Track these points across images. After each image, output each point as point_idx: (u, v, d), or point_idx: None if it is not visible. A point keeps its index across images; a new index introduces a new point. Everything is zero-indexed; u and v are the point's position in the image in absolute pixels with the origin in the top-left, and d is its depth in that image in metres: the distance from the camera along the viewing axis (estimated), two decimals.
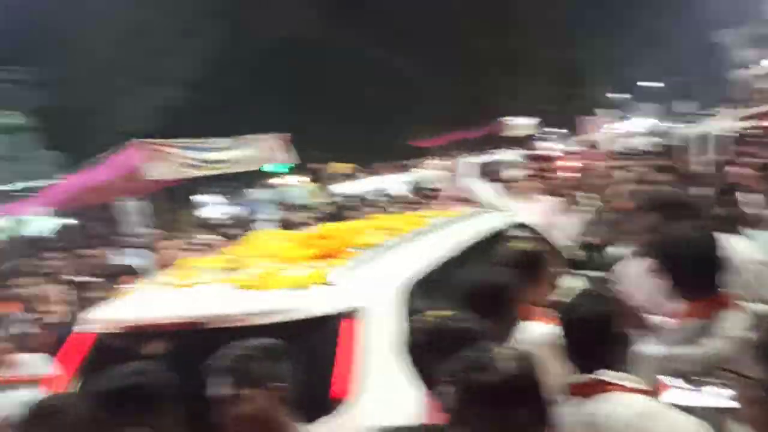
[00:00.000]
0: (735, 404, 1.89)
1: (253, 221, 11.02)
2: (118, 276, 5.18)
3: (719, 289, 2.45)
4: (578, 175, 9.48)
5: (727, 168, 8.20)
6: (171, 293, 3.37)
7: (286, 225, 7.75)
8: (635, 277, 3.59)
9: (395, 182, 11.68)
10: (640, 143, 19.27)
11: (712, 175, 8.35)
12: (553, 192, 7.63)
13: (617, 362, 2.15)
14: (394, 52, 27.09)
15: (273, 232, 4.85)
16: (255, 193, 18.75)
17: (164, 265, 5.53)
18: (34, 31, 21.61)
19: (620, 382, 2.09)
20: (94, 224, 16.41)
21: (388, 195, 11.03)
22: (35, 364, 4.13)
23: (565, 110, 30.46)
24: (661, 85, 44.06)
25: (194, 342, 3.02)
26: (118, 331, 3.21)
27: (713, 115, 18.05)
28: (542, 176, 8.57)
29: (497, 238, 4.31)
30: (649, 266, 3.10)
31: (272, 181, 19.12)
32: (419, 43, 27.35)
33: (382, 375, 2.61)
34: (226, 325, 2.83)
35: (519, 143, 24.80)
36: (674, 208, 3.39)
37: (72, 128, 23.51)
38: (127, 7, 22.92)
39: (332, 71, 26.59)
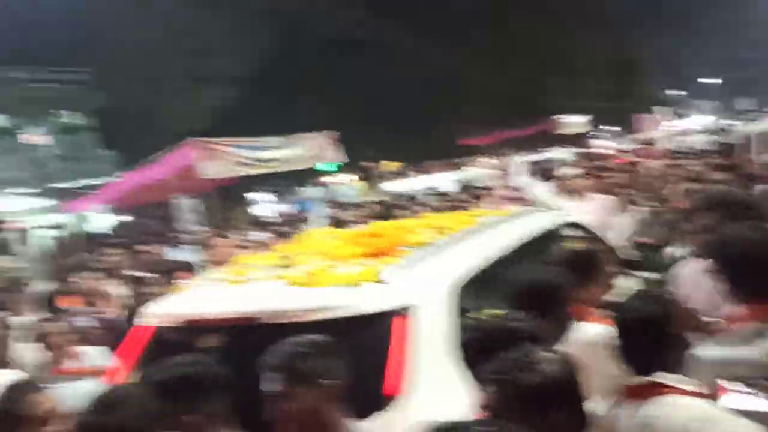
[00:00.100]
0: None
1: (305, 219, 11.13)
2: (174, 272, 5.29)
3: None
4: (633, 173, 9.28)
5: None
6: (226, 289, 3.44)
7: (337, 223, 7.80)
8: (692, 278, 3.49)
9: (445, 181, 11.63)
10: (698, 141, 18.73)
11: None
12: (607, 191, 7.49)
13: (674, 365, 2.10)
14: (445, 50, 26.96)
15: (325, 230, 4.89)
16: (306, 192, 18.93)
17: (218, 261, 5.65)
18: (92, 35, 22.26)
19: (677, 385, 2.04)
20: (150, 221, 16.84)
21: (438, 193, 10.99)
22: (96, 356, 4.26)
23: (620, 108, 29.82)
24: (721, 81, 42.66)
25: (248, 337, 3.08)
26: (175, 325, 3.30)
27: None
28: (596, 175, 8.42)
29: (549, 237, 4.27)
30: (706, 267, 3.01)
31: (323, 179, 19.26)
32: (470, 41, 27.18)
33: (434, 372, 2.62)
34: (280, 321, 2.86)
35: (572, 141, 24.39)
36: (733, 207, 3.29)
37: (129, 128, 24.15)
38: (182, 9, 23.40)
39: (382, 70, 26.63)
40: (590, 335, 2.61)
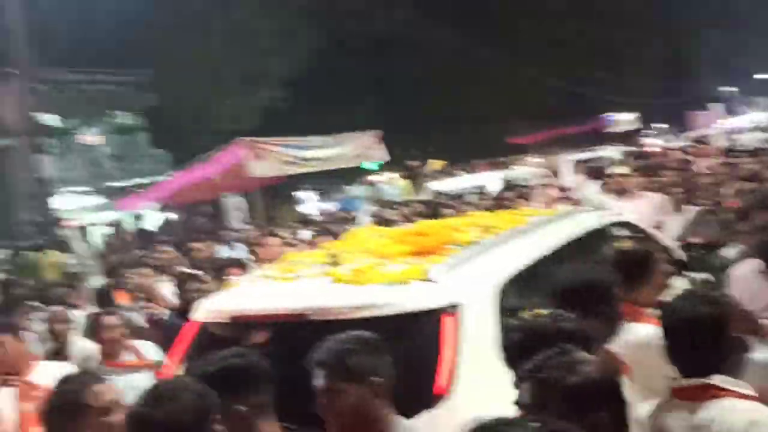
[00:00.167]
0: None
1: (351, 218, 11.20)
2: (225, 268, 5.39)
3: None
4: (686, 172, 9.06)
5: None
6: (274, 286, 3.49)
7: (382, 221, 7.82)
8: (746, 279, 3.41)
9: (492, 179, 11.55)
10: (753, 139, 18.15)
11: None
12: (658, 190, 7.33)
13: (727, 367, 2.06)
14: (491, 48, 26.73)
15: (371, 228, 4.92)
16: (351, 190, 19.03)
17: (266, 259, 5.73)
18: (146, 36, 22.74)
19: (732, 388, 2.00)
20: (199, 219, 17.15)
21: (484, 192, 10.92)
22: (147, 350, 4.37)
23: (671, 105, 29.12)
24: None
25: (295, 333, 3.13)
26: (224, 321, 3.37)
27: None
28: (647, 173, 8.25)
29: (598, 236, 4.21)
30: (760, 268, 2.94)
31: (368, 178, 19.34)
32: (516, 39, 26.89)
33: (480, 371, 2.61)
34: (327, 318, 2.90)
35: (621, 139, 23.95)
36: None
37: (180, 128, 24.64)
38: (229, 10, 23.75)
39: (428, 68, 26.57)
40: (640, 336, 2.57)
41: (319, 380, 2.19)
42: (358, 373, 2.15)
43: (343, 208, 16.26)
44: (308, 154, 11.73)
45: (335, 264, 3.50)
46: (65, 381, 2.38)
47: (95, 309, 5.60)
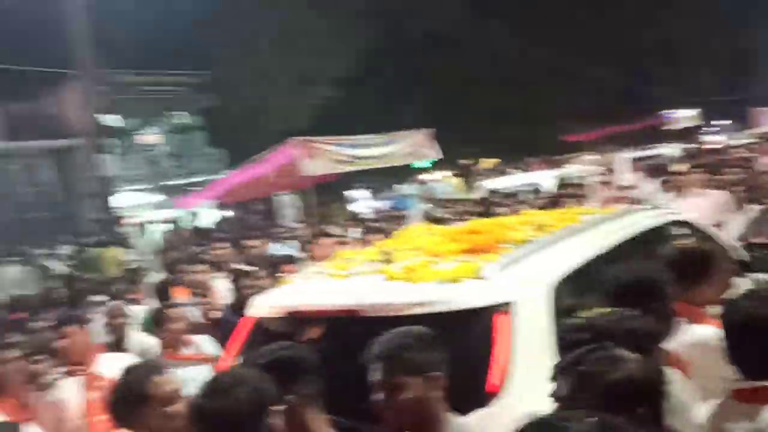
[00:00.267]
0: None
1: (403, 216, 11.22)
2: (279, 265, 5.46)
3: None
4: (748, 170, 8.76)
5: None
6: (327, 283, 3.53)
7: (434, 220, 7.81)
8: None
9: (545, 178, 11.39)
10: None
11: None
12: (719, 188, 7.12)
13: None
14: (544, 44, 26.33)
15: (424, 226, 4.92)
16: (403, 189, 19.04)
17: (318, 257, 5.79)
18: (199, 37, 23.23)
19: None
20: (253, 217, 17.44)
21: (537, 191, 10.78)
22: (204, 344, 4.48)
23: (733, 101, 28.13)
24: None
25: (348, 329, 3.16)
26: (278, 316, 3.43)
27: None
28: (707, 171, 8.01)
29: (655, 235, 4.12)
30: None
31: (420, 176, 19.31)
32: (570, 35, 26.41)
33: (534, 369, 2.58)
34: (380, 314, 2.91)
35: (681, 137, 23.28)
36: None
37: (236, 127, 25.09)
38: (283, 10, 24.03)
39: (481, 66, 26.35)
40: (698, 336, 2.52)
41: (378, 374, 2.20)
42: (418, 367, 2.16)
43: (394, 207, 16.28)
44: (360, 152, 11.79)
45: (388, 261, 3.52)
46: (129, 371, 2.46)
47: (154, 304, 5.77)
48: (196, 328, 4.96)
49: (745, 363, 2.04)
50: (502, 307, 2.75)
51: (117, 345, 4.99)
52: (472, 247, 3.44)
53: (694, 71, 27.49)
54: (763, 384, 1.98)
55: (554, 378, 1.85)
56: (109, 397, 2.42)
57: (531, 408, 2.00)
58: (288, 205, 15.64)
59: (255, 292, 4.35)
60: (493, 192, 11.35)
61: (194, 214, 15.41)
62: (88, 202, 19.14)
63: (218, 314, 5.42)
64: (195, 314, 5.60)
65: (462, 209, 9.65)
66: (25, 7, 16.04)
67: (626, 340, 1.84)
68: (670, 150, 17.80)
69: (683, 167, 7.75)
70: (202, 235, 13.38)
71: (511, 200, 10.00)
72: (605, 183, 9.49)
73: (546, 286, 2.97)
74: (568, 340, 2.01)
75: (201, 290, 6.11)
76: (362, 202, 22.70)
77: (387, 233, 6.96)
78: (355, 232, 8.37)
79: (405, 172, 17.73)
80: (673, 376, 2.16)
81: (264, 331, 3.45)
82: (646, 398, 1.70)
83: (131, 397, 2.33)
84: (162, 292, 5.99)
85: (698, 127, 27.40)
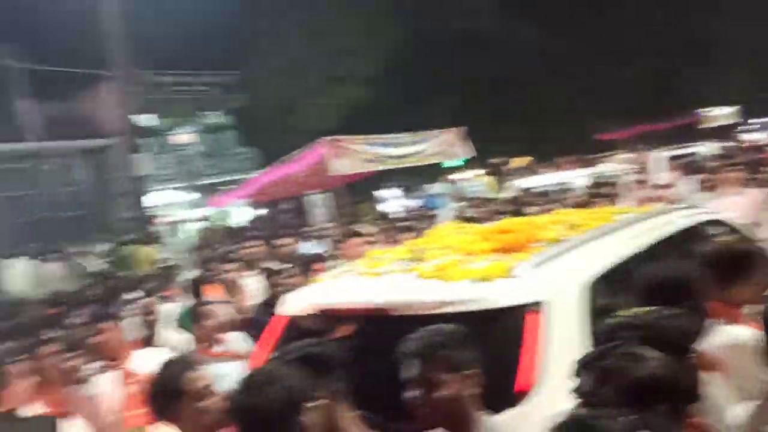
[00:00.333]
0: None
1: (433, 215, 11.19)
2: (310, 264, 5.49)
3: None
4: None
5: None
6: (359, 281, 3.54)
7: (465, 219, 7.77)
8: None
9: (577, 177, 11.28)
10: None
11: None
12: (758, 186, 6.96)
13: None
14: (576, 41, 26.04)
15: (455, 225, 4.90)
16: (433, 187, 18.99)
17: (349, 255, 5.80)
18: (231, 37, 23.47)
19: None
20: (283, 215, 17.55)
21: (569, 189, 10.67)
22: (236, 341, 4.51)
23: None
24: None
25: (379, 327, 3.16)
26: (310, 314, 3.44)
27: None
28: (745, 169, 7.84)
29: (690, 235, 4.05)
30: None
31: (451, 175, 19.26)
32: (603, 32, 26.07)
33: (566, 369, 2.55)
34: (411, 312, 2.91)
35: (718, 134, 22.81)
36: None
37: (265, 126, 25.30)
38: (314, 10, 24.14)
39: (513, 65, 26.16)
40: (735, 337, 2.47)
41: (414, 371, 2.19)
42: (455, 364, 2.15)
43: (425, 206, 16.25)
44: (390, 151, 11.79)
45: (419, 260, 3.51)
46: (164, 367, 2.51)
47: (188, 301, 5.84)
48: (229, 326, 5.01)
49: None
50: (534, 307, 2.73)
51: (148, 341, 5.05)
52: (504, 246, 3.42)
53: (732, 68, 26.90)
54: None
55: (577, 374, 1.85)
56: (146, 392, 2.46)
57: (562, 408, 1.99)
58: (318, 205, 15.69)
59: (286, 290, 4.38)
60: (524, 191, 11.26)
61: (227, 213, 15.59)
62: (122, 200, 19.48)
63: (249, 312, 5.46)
64: (227, 312, 5.66)
65: (493, 208, 9.59)
66: (60, 9, 16.37)
67: (667, 339, 1.81)
68: (706, 148, 17.48)
69: (720, 165, 7.59)
70: (233, 233, 13.52)
71: (542, 199, 9.90)
72: (640, 182, 9.35)
73: (578, 285, 2.94)
74: (608, 338, 1.97)
75: (234, 288, 6.16)
76: (392, 201, 22.71)
77: (418, 232, 6.95)
78: (386, 231, 8.36)
79: (435, 171, 17.69)
80: (709, 377, 2.12)
81: (296, 328, 3.47)
82: (668, 396, 1.69)
83: (166, 392, 2.37)
84: (195, 289, 6.06)
85: (735, 125, 26.82)
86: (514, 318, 2.71)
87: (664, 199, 7.41)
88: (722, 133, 23.66)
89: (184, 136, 26.11)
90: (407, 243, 4.38)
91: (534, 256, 3.14)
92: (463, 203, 12.66)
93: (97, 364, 4.05)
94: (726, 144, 18.90)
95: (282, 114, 24.97)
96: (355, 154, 10.98)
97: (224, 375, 2.73)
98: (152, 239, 12.99)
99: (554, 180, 12.36)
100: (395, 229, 8.25)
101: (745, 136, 23.78)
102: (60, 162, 21.85)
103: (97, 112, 21.69)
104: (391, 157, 11.73)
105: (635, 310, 2.12)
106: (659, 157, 11.08)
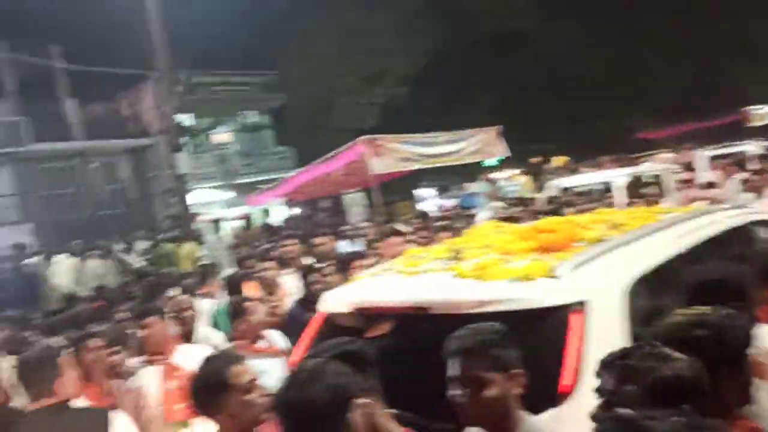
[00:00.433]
0: None
1: (471, 214, 11.14)
2: (348, 262, 5.51)
3: None
4: None
5: None
6: (398, 279, 3.54)
7: (504, 218, 7.72)
8: None
9: (619, 176, 11.09)
10: None
11: None
12: None
13: None
14: (618, 40, 25.61)
15: (494, 224, 4.87)
16: (471, 187, 18.90)
17: (388, 254, 5.80)
18: (267, 36, 23.68)
19: None
20: (320, 214, 17.65)
21: (611, 189, 10.50)
22: (275, 338, 4.56)
23: None
24: None
25: (418, 326, 3.16)
26: (348, 312, 3.46)
27: None
28: None
29: (735, 236, 3.96)
30: None
31: (488, 174, 19.13)
32: (645, 26, 25.60)
33: None
34: (450, 312, 2.90)
35: (765, 133, 22.20)
36: None
37: (302, 125, 25.47)
38: (351, 10, 24.21)
39: (552, 63, 25.88)
40: None
41: (460, 369, 2.17)
42: (502, 363, 2.14)
43: (462, 205, 16.18)
44: (427, 150, 11.77)
45: (458, 259, 3.50)
46: (209, 361, 2.54)
47: (223, 298, 5.92)
48: (266, 323, 5.06)
49: None
50: (576, 307, 2.70)
51: (186, 338, 5.13)
52: (544, 245, 3.38)
53: None
54: None
55: (598, 374, 1.85)
56: (190, 386, 2.50)
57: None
58: (355, 203, 15.76)
59: (323, 289, 4.41)
60: (564, 190, 11.12)
61: (266, 212, 15.75)
62: (163, 199, 19.84)
63: (286, 310, 5.51)
64: (267, 309, 5.71)
65: (532, 207, 9.51)
66: (104, 11, 16.73)
67: (732, 339, 1.78)
68: (752, 147, 17.04)
69: (764, 165, 7.41)
70: (271, 232, 13.64)
71: (583, 198, 9.77)
72: (684, 181, 9.18)
73: (621, 285, 2.90)
74: (675, 335, 1.93)
75: (272, 286, 6.22)
76: (430, 200, 22.66)
77: (455, 231, 6.93)
78: (423, 231, 8.35)
79: (473, 170, 17.60)
80: (759, 382, 2.07)
81: (333, 326, 3.49)
82: (691, 396, 1.67)
83: (211, 386, 2.41)
84: (233, 286, 6.13)
85: None
86: (556, 318, 2.68)
87: (709, 198, 7.26)
88: None
89: (222, 136, 26.43)
90: (446, 242, 4.37)
91: (575, 256, 3.11)
92: (501, 202, 12.58)
93: (141, 359, 4.13)
94: None
95: (319, 113, 25.10)
96: (393, 153, 10.99)
97: (264, 371, 2.76)
98: (193, 237, 13.19)
99: (595, 179, 12.18)
100: (433, 228, 8.24)
101: None
102: (103, 161, 22.33)
103: (139, 111, 22.11)
104: (428, 156, 11.71)
105: (698, 308, 2.07)
106: (703, 156, 10.86)
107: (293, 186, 13.74)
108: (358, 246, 8.54)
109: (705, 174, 8.90)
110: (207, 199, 21.52)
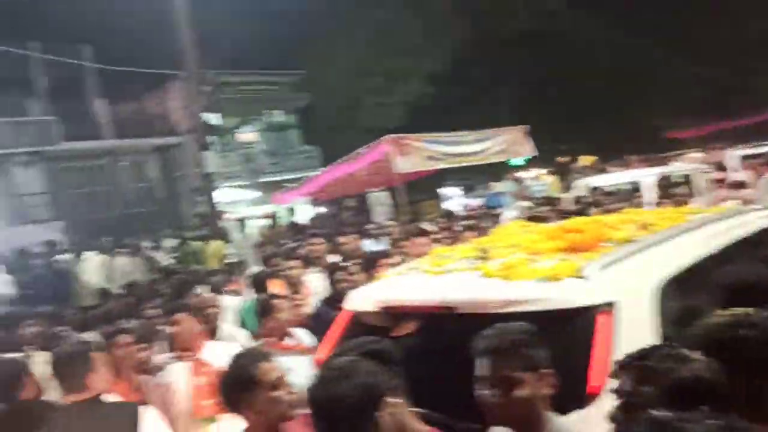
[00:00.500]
0: None
1: (497, 214, 11.09)
2: (374, 261, 5.52)
3: None
4: None
5: None
6: (424, 278, 3.54)
7: (530, 218, 7.67)
8: None
9: (647, 175, 10.97)
10: None
11: None
12: None
13: None
14: (646, 38, 25.29)
15: (521, 224, 4.85)
16: (497, 186, 18.81)
17: (414, 254, 5.81)
18: (293, 36, 23.79)
19: None
20: (345, 213, 17.69)
21: (640, 189, 10.38)
22: (302, 336, 4.58)
23: None
24: None
25: (444, 325, 3.16)
26: (374, 310, 3.47)
27: None
28: None
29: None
30: None
31: (515, 173, 19.02)
32: (675, 27, 25.23)
33: None
34: (476, 311, 2.89)
35: None
36: None
37: (328, 125, 25.55)
38: (376, 9, 24.22)
39: (579, 62, 25.63)
40: None
41: (490, 368, 2.16)
42: (533, 363, 2.13)
43: (488, 204, 16.10)
44: (453, 149, 11.76)
45: (485, 258, 3.49)
46: (238, 357, 2.57)
47: (251, 296, 5.96)
48: (294, 321, 5.09)
49: None
50: (604, 308, 2.67)
51: (210, 335, 5.17)
52: (571, 245, 3.36)
53: None
54: None
55: (615, 375, 1.85)
56: (219, 382, 2.53)
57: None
58: (380, 202, 15.76)
59: (349, 287, 4.42)
60: (592, 190, 11.02)
61: (291, 210, 15.86)
62: (190, 197, 20.06)
63: (310, 309, 5.53)
64: (292, 307, 5.74)
65: (559, 207, 9.43)
66: (133, 11, 16.95)
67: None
68: None
69: None
70: (297, 230, 13.69)
71: (611, 198, 9.67)
72: (716, 181, 9.04)
73: (650, 286, 2.87)
74: (723, 336, 1.90)
75: (294, 285, 6.25)
76: (455, 199, 22.59)
77: (481, 231, 6.91)
78: (449, 230, 8.33)
79: (499, 170, 17.52)
80: None
81: (360, 325, 3.50)
82: (709, 398, 1.65)
83: (239, 382, 2.44)
84: (259, 284, 6.17)
85: None
86: (583, 319, 2.66)
87: (740, 198, 7.15)
88: None
89: (248, 135, 26.62)
90: (473, 241, 4.36)
91: (604, 256, 3.08)
92: (528, 202, 12.50)
93: (170, 355, 4.18)
94: None
95: (345, 112, 25.18)
96: (419, 152, 11.00)
97: (292, 368, 2.78)
98: (220, 235, 13.31)
99: (623, 179, 12.05)
100: (458, 227, 8.22)
101: None
102: (132, 160, 22.64)
103: (167, 110, 22.39)
104: (454, 155, 11.70)
105: (739, 309, 2.05)
106: (734, 155, 10.68)
107: (319, 185, 13.81)
108: (382, 245, 8.55)
109: (736, 174, 8.74)
110: (233, 198, 21.69)
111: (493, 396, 2.11)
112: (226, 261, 10.40)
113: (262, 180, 24.33)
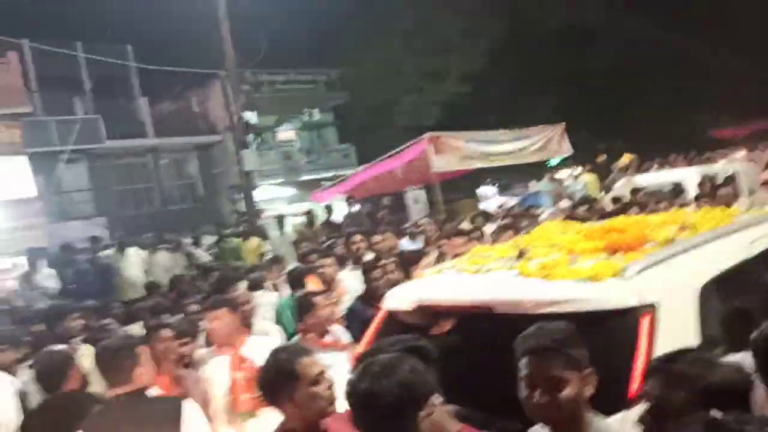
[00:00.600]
0: None
1: (535, 213, 10.98)
2: (411, 259, 5.52)
3: None
4: None
5: None
6: (462, 278, 3.54)
7: (569, 217, 7.58)
8: None
9: (690, 175, 10.75)
10: None
11: None
12: None
13: None
14: (690, 34, 24.74)
15: (561, 223, 4.81)
16: (535, 185, 18.62)
17: (451, 252, 5.79)
18: (330, 35, 23.88)
19: None
20: (381, 211, 17.69)
21: (682, 188, 10.16)
22: (340, 333, 4.61)
23: None
24: None
25: (481, 324, 3.16)
26: (413, 309, 3.47)
27: None
28: None
29: None
30: None
31: (553, 173, 18.81)
32: (717, 21, 24.65)
33: None
34: (514, 311, 2.88)
35: None
36: None
37: (364, 123, 25.60)
38: (412, 8, 24.18)
39: (619, 59, 25.23)
40: None
41: (533, 368, 2.12)
42: (577, 362, 2.10)
43: (526, 203, 15.95)
44: (490, 149, 11.70)
45: (523, 258, 3.47)
46: (278, 352, 2.60)
47: (289, 292, 6.02)
48: (333, 318, 5.11)
49: None
50: (646, 309, 2.63)
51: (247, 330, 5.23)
52: (612, 245, 3.32)
53: None
54: None
55: (644, 378, 1.87)
56: (259, 375, 2.57)
57: None
58: (415, 201, 15.74)
59: (384, 285, 4.44)
60: (632, 190, 10.84)
61: (327, 208, 15.93)
62: (229, 194, 20.31)
63: (345, 306, 5.56)
64: (328, 304, 5.77)
65: (598, 207, 9.30)
66: (173, 11, 17.22)
67: None
68: None
69: None
70: (333, 228, 13.75)
71: (652, 198, 9.49)
72: (759, 181, 8.82)
73: (692, 288, 2.83)
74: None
75: (330, 282, 6.28)
76: (492, 198, 22.42)
77: (518, 230, 6.86)
78: (487, 229, 8.28)
79: (537, 168, 17.35)
80: None
81: (397, 323, 3.51)
82: (737, 403, 1.66)
83: (280, 376, 2.46)
84: (296, 281, 6.20)
85: None
86: (625, 320, 2.63)
87: None
88: None
89: (286, 133, 26.82)
90: (512, 241, 4.34)
91: (646, 257, 3.04)
92: (566, 202, 12.35)
93: (210, 349, 4.25)
94: None
95: (382, 111, 25.20)
96: (456, 151, 10.97)
97: (330, 365, 2.80)
98: (258, 232, 13.45)
99: (665, 179, 11.81)
100: (497, 226, 8.16)
101: None
102: (173, 157, 23.01)
103: (207, 109, 22.71)
104: (491, 154, 11.64)
105: None
106: None
107: (356, 183, 13.86)
108: (418, 243, 8.53)
109: None
110: (271, 196, 21.90)
111: (536, 396, 2.09)
112: (265, 258, 10.48)
113: (299, 178, 24.51)
